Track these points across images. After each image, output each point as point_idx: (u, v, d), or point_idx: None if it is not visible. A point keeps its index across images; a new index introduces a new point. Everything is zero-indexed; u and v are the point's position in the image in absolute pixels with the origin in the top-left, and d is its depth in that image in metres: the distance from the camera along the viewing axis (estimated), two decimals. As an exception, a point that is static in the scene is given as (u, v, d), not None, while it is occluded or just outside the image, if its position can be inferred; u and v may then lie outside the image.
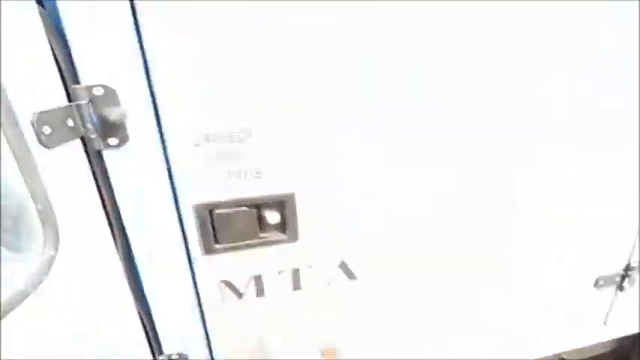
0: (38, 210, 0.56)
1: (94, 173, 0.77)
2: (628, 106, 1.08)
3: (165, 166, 0.80)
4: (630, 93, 1.06)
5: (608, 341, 1.72)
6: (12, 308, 0.51)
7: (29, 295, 0.54)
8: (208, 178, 0.84)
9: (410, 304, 1.16)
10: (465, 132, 0.95)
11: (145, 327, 0.95)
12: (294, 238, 0.95)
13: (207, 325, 1.00)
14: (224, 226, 0.89)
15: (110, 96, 0.71)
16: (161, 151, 0.79)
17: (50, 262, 0.58)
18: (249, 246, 0.93)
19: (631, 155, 1.16)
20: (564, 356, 1.75)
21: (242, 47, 0.74)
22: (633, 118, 1.10)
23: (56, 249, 0.59)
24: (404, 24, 0.81)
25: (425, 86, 0.88)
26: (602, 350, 1.92)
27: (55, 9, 0.65)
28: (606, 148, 1.11)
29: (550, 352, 1.50)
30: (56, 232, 0.59)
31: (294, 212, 0.92)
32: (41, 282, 0.56)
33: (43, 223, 0.57)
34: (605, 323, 1.51)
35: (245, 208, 0.88)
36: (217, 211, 0.87)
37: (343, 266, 1.03)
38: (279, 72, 0.78)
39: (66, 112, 0.67)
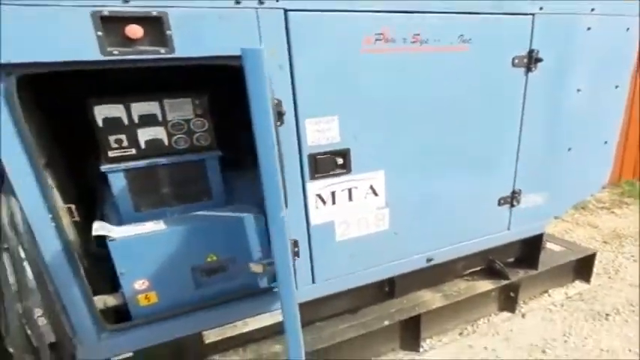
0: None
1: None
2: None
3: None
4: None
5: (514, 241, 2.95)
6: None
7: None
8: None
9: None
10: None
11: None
12: (349, 171, 2.06)
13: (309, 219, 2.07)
14: (319, 164, 1.98)
15: (283, 105, 1.80)
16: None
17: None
18: (328, 176, 2.02)
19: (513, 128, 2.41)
20: (490, 256, 2.95)
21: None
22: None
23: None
24: (394, 71, 1.98)
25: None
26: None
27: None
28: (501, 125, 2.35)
29: (479, 248, 2.70)
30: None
31: (350, 158, 2.03)
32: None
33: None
34: (509, 228, 2.75)
35: (329, 156, 1.98)
36: (318, 157, 1.96)
37: (372, 189, 2.15)
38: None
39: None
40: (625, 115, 4.80)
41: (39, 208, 1.55)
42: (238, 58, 1.65)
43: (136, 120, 1.92)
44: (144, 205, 2.06)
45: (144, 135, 1.95)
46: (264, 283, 2.19)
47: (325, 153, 1.96)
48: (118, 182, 1.97)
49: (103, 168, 1.91)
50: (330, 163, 2.00)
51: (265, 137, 1.13)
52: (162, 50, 1.52)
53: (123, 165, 1.94)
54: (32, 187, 1.52)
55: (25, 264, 1.53)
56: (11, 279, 1.51)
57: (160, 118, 1.96)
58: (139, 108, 1.90)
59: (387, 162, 2.13)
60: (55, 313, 1.68)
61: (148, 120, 1.93)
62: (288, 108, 1.81)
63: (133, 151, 1.96)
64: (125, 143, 1.92)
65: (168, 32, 1.50)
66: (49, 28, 1.36)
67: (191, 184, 2.13)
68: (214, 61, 1.64)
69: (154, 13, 1.47)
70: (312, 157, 1.94)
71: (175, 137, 2.02)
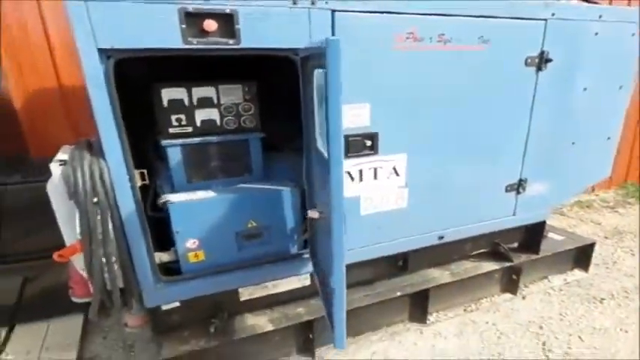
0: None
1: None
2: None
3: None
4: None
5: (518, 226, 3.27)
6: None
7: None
8: (348, 125, 2.26)
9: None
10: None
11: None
12: (376, 152, 2.38)
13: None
14: (351, 145, 2.30)
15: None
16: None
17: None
18: (358, 155, 2.34)
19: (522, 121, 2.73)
20: (496, 240, 3.27)
21: (366, 75, 2.18)
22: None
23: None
24: (420, 67, 2.29)
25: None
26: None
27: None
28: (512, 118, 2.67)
29: (486, 231, 3.02)
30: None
31: (378, 141, 2.35)
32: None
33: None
34: (514, 214, 3.07)
35: (360, 138, 2.31)
36: (350, 139, 2.28)
37: (394, 170, 2.48)
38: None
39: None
40: (635, 118, 5.12)
41: (121, 169, 1.88)
42: (292, 50, 2.00)
43: (195, 102, 2.25)
44: (194, 176, 2.40)
45: (200, 115, 2.28)
46: (294, 249, 2.53)
47: (357, 135, 2.28)
48: (174, 156, 2.30)
49: (164, 142, 2.24)
50: (360, 144, 2.32)
51: (336, 119, 1.38)
52: (231, 41, 1.84)
53: (180, 141, 2.28)
54: (117, 152, 1.85)
55: (109, 217, 1.87)
56: (98, 229, 1.85)
57: (215, 101, 2.29)
58: (199, 92, 2.23)
59: (410, 146, 2.45)
60: (125, 263, 2.03)
61: (204, 102, 2.26)
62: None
63: (190, 129, 2.29)
64: (184, 122, 2.25)
65: (237, 26, 1.83)
66: (144, 20, 1.69)
67: (235, 161, 2.46)
68: (270, 53, 1.96)
69: (227, 10, 1.79)
70: (346, 139, 2.26)
71: (226, 118, 2.34)
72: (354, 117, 2.24)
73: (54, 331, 3.00)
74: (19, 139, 3.01)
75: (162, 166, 2.45)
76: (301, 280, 2.64)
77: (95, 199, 1.81)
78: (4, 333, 2.92)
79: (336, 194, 1.46)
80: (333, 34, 2.01)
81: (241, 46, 1.87)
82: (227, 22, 1.82)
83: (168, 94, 2.18)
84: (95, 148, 1.89)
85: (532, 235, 3.34)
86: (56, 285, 3.29)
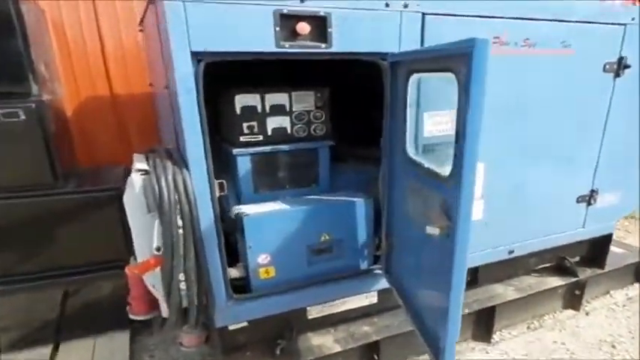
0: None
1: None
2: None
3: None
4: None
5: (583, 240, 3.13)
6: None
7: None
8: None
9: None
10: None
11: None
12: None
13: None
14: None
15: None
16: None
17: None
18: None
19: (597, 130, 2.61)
20: (561, 254, 3.13)
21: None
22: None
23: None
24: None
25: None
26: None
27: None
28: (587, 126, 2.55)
29: (554, 244, 2.89)
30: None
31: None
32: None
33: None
34: (583, 226, 2.93)
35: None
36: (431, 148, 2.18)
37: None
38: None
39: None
40: None
41: (203, 179, 1.78)
42: (380, 55, 1.91)
43: (268, 109, 2.16)
44: (262, 187, 2.30)
45: (272, 123, 2.19)
46: (365, 264, 2.41)
47: (440, 145, 2.18)
48: (243, 165, 2.20)
49: (235, 151, 2.15)
50: (443, 153, 2.21)
51: (476, 124, 1.26)
52: (323, 45, 1.76)
53: (251, 149, 2.18)
54: (202, 161, 1.76)
55: (191, 230, 1.76)
56: (180, 243, 1.74)
57: (287, 108, 2.20)
58: (272, 98, 2.15)
59: (487, 156, 2.33)
60: (203, 279, 1.91)
61: (277, 109, 2.17)
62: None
63: (261, 137, 2.19)
64: (255, 130, 2.16)
65: (329, 30, 1.74)
66: (240, 22, 1.61)
67: (303, 170, 2.36)
68: (358, 57, 1.87)
69: (322, 13, 1.71)
70: (426, 148, 2.16)
71: (296, 126, 2.25)
72: (434, 125, 2.14)
73: (100, 350, 2.87)
74: (69, 147, 2.92)
75: (226, 175, 2.36)
76: (368, 297, 2.51)
77: (179, 213, 1.70)
78: (49, 350, 2.80)
79: (465, 216, 1.33)
80: (422, 38, 1.93)
81: (332, 50, 1.79)
82: (320, 25, 1.74)
83: (241, 100, 2.09)
84: (175, 157, 1.79)
85: (598, 248, 3.20)
86: (98, 299, 3.21)
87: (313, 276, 2.29)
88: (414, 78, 1.77)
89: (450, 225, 1.39)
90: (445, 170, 1.53)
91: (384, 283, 2.39)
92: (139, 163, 1.79)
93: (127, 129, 3.07)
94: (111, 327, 2.90)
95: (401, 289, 2.18)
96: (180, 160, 1.77)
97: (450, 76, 1.45)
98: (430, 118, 2.12)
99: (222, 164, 2.40)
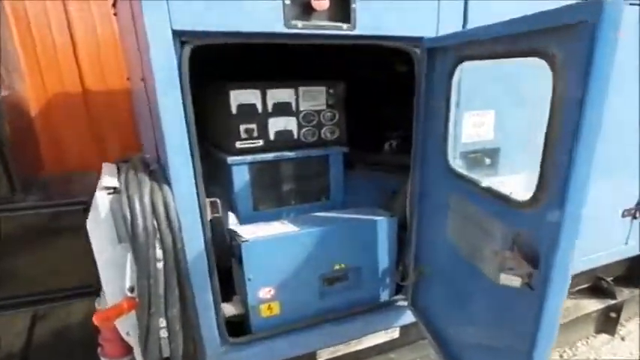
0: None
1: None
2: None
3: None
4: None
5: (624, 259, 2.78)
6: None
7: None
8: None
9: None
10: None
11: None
12: (495, 172, 1.89)
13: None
14: (469, 164, 1.82)
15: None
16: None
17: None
18: (471, 178, 1.86)
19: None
20: (598, 274, 2.78)
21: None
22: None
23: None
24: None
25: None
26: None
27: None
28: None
29: (596, 264, 2.53)
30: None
31: (498, 158, 1.86)
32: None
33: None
34: (626, 243, 2.58)
35: (478, 155, 1.82)
36: (468, 156, 1.80)
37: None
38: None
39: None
40: None
41: (191, 198, 1.37)
42: (411, 40, 1.53)
43: (270, 108, 1.76)
44: (263, 202, 1.90)
45: (275, 125, 1.79)
46: (386, 294, 2.02)
47: (475, 152, 1.80)
48: (240, 176, 1.80)
49: (230, 160, 1.75)
50: (478, 162, 1.83)
51: (594, 125, 0.88)
52: (344, 26, 1.36)
53: (250, 157, 1.78)
54: (188, 175, 1.35)
55: (174, 266, 1.35)
56: (160, 284, 1.33)
57: (293, 107, 1.80)
58: (275, 95, 1.75)
59: (530, 164, 1.97)
60: (190, 323, 1.50)
61: (281, 109, 1.78)
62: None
63: (261, 142, 1.80)
64: (255, 134, 1.76)
65: (353, 5, 1.35)
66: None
67: (312, 182, 1.97)
68: (386, 43, 1.49)
69: (344, -18, 1.32)
70: (462, 155, 1.78)
71: (304, 129, 1.86)
72: (473, 127, 1.76)
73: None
74: (33, 151, 2.48)
75: (218, 187, 1.96)
76: (389, 332, 2.11)
77: (159, 246, 1.29)
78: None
79: (563, 261, 0.94)
80: (465, 20, 1.54)
81: (355, 32, 1.39)
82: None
83: (238, 97, 1.69)
84: (154, 170, 1.39)
85: (637, 267, 2.85)
86: (68, 325, 2.78)
87: (325, 311, 1.89)
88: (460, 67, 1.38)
89: (537, 274, 1.01)
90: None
91: (408, 317, 2.00)
92: (108, 178, 1.37)
93: (102, 130, 2.64)
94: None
95: (432, 326, 1.79)
96: (160, 173, 1.36)
97: (520, 61, 1.09)
98: (469, 118, 1.74)
99: (213, 174, 2.01)
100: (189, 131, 1.30)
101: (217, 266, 1.71)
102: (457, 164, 1.53)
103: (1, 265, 2.16)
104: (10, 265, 2.15)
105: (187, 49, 1.23)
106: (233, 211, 1.87)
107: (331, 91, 1.85)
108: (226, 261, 1.79)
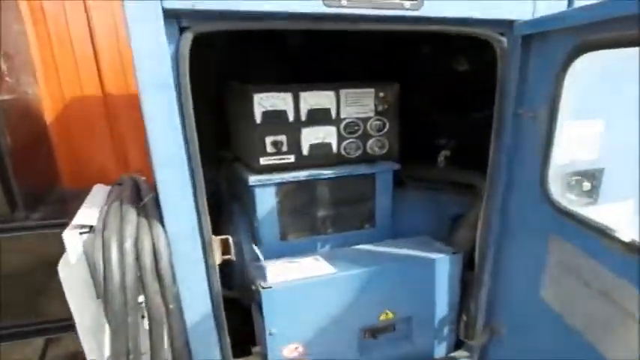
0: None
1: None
2: None
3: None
4: None
5: None
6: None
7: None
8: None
9: None
10: None
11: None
12: (594, 201, 1.42)
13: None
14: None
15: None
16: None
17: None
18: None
19: None
20: None
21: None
22: None
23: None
24: None
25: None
26: None
27: None
28: None
29: None
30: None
31: (601, 181, 1.39)
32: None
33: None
34: None
35: (578, 178, 1.36)
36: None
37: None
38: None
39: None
40: None
41: (192, 238, 1.02)
42: (496, 25, 1.11)
43: (304, 116, 1.39)
44: (292, 231, 1.54)
45: (309, 137, 1.42)
46: (442, 349, 1.59)
47: (575, 174, 1.34)
48: (265, 200, 1.45)
49: (253, 180, 1.39)
50: (575, 188, 1.37)
51: None
52: (407, 4, 0.96)
53: (278, 177, 1.42)
54: (187, 206, 0.99)
55: (164, 332, 1.01)
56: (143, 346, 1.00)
57: (333, 114, 1.42)
58: (310, 99, 1.38)
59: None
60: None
61: (317, 116, 1.41)
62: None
63: (292, 158, 1.43)
64: (284, 147, 1.40)
65: (419, -26, 0.95)
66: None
67: (353, 206, 1.58)
68: (463, 29, 1.07)
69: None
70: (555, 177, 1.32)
71: (346, 142, 1.47)
72: (574, 142, 1.30)
73: None
74: (47, 163, 2.27)
75: (237, 209, 1.62)
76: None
77: (141, 300, 0.96)
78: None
79: None
80: (569, 2, 1.10)
81: (421, 13, 0.99)
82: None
83: (263, 102, 1.33)
84: (144, 198, 1.05)
85: None
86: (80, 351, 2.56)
87: (365, 370, 1.50)
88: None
89: None
90: None
91: (472, 381, 1.57)
92: (85, 211, 1.05)
93: (124, 139, 2.39)
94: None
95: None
96: (152, 204, 1.02)
97: None
98: (571, 130, 1.28)
99: (234, 187, 1.68)
100: (189, 150, 0.95)
101: (237, 301, 1.38)
102: (564, 196, 1.09)
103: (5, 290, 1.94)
104: (13, 292, 1.92)
105: (188, 37, 0.88)
106: (255, 240, 1.52)
107: (381, 94, 1.45)
108: (247, 298, 1.44)
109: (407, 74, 1.76)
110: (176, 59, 0.89)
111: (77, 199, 2.26)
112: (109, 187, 1.26)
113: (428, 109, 2.23)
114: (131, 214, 0.96)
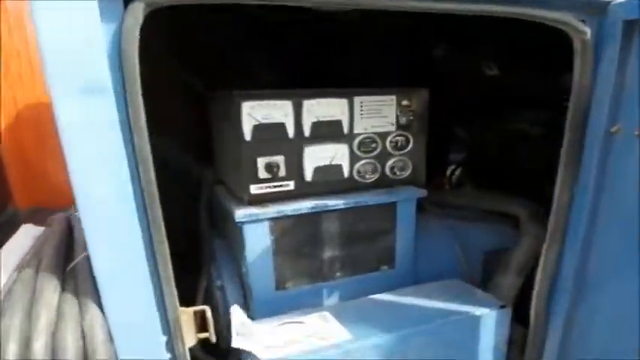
0: None
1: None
2: None
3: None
4: None
5: None
6: None
7: None
8: None
9: None
10: None
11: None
12: None
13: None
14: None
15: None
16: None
17: None
18: None
19: None
20: None
21: None
22: None
23: None
24: None
25: None
26: None
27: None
28: None
29: None
30: None
31: None
32: None
33: None
34: None
35: None
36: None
37: None
38: None
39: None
40: None
41: (148, 316, 0.68)
42: (582, 10, 0.80)
43: (307, 131, 1.06)
44: (291, 277, 1.19)
45: (314, 157, 1.09)
46: None
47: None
48: (256, 239, 1.11)
49: (240, 215, 1.05)
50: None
51: None
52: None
53: (273, 210, 1.08)
54: (137, 269, 0.65)
55: None
56: None
57: (344, 128, 1.09)
58: (316, 109, 1.05)
59: None
60: None
61: (325, 131, 1.08)
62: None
63: (291, 185, 1.10)
64: (282, 171, 1.07)
65: None
66: None
67: (368, 243, 1.25)
68: (531, 12, 0.77)
69: None
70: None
71: (360, 162, 1.15)
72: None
73: None
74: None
75: (221, 248, 1.28)
76: None
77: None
78: None
79: None
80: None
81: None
82: None
83: (254, 112, 1.00)
84: (77, 260, 0.70)
85: None
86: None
87: None
88: None
89: None
90: None
91: None
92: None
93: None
94: None
95: None
96: (87, 267, 0.68)
97: None
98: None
99: (214, 223, 1.36)
100: (139, 179, 0.61)
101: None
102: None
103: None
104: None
105: (137, 10, 0.55)
106: (245, 290, 1.18)
107: (405, 102, 1.13)
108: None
109: (421, 77, 1.47)
110: (118, 46, 0.55)
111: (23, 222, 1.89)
112: (40, 230, 0.90)
113: (443, 119, 1.94)
114: (50, 290, 0.61)
